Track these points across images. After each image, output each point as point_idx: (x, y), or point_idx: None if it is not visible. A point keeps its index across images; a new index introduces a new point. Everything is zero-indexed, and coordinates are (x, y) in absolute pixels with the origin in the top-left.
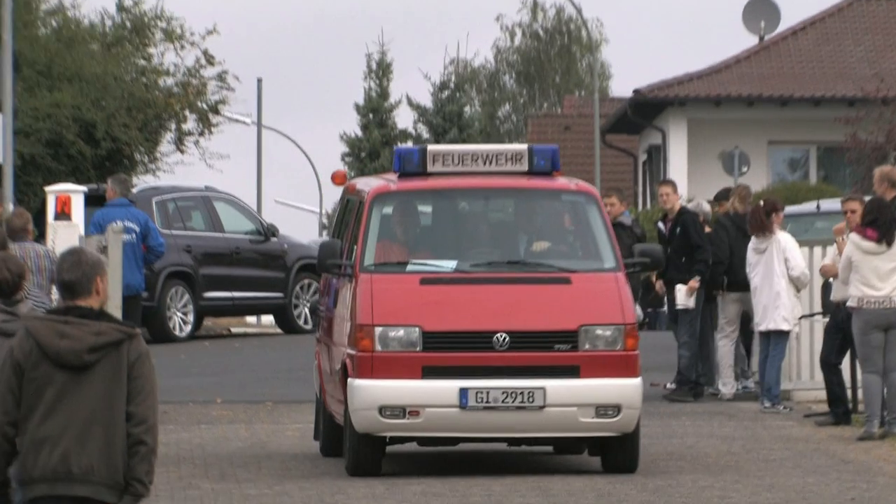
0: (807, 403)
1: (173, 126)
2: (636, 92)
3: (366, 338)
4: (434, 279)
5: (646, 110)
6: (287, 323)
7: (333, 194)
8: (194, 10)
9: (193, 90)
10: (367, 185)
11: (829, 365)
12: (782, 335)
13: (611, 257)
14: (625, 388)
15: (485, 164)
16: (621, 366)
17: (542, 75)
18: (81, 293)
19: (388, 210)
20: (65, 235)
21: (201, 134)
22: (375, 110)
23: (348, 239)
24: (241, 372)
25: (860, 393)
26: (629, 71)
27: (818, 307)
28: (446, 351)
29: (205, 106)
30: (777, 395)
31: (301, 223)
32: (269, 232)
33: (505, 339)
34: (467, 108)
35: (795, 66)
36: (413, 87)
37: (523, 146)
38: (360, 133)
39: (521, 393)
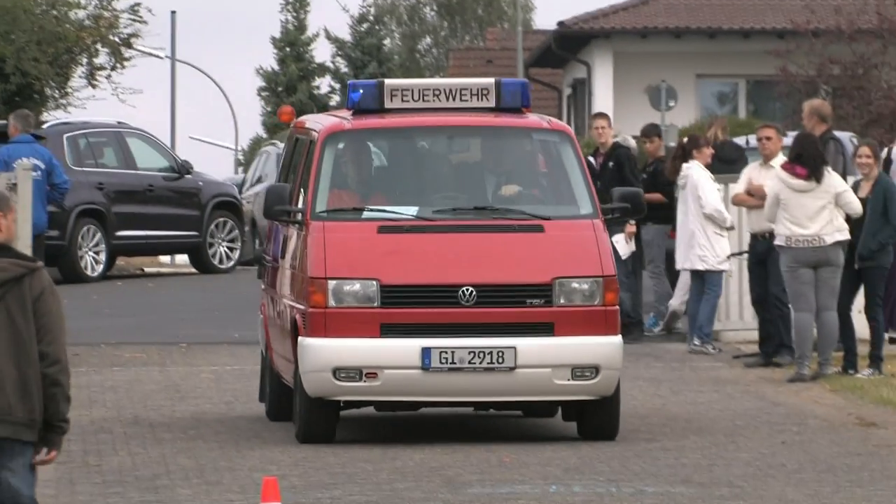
0: (736, 344)
1: (85, 60)
2: (560, 24)
3: (318, 292)
4: (393, 227)
5: (570, 43)
6: (202, 263)
7: (249, 130)
8: None
9: (105, 23)
10: (319, 123)
11: (760, 302)
12: (714, 274)
13: (587, 203)
14: (603, 347)
15: (448, 99)
16: (600, 322)
17: (463, 7)
18: None
19: (342, 151)
20: None
21: (113, 68)
22: (292, 44)
23: (298, 183)
24: (155, 313)
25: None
26: (553, 2)
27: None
28: (407, 307)
29: (117, 39)
30: (708, 333)
31: (216, 160)
32: (183, 169)
33: (471, 293)
34: (387, 42)
35: None
36: (331, 19)
37: (490, 80)
38: (276, 67)
39: (490, 353)
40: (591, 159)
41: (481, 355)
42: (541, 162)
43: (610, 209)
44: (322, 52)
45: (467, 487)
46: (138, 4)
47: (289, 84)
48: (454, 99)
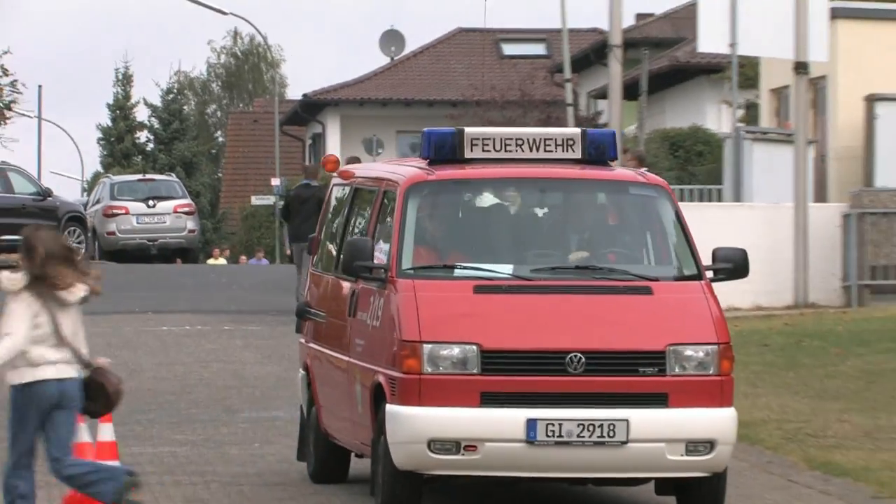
0: None
1: None
2: (304, 96)
3: (411, 356)
4: (490, 287)
5: (311, 108)
6: None
7: (91, 167)
8: None
9: None
10: (390, 173)
11: None
12: None
13: (691, 263)
14: (719, 421)
15: (531, 150)
16: (715, 393)
17: (239, 84)
18: None
19: (425, 203)
20: None
21: None
22: (121, 108)
23: (369, 236)
24: None
25: None
26: (300, 79)
27: None
28: (510, 374)
29: (1, 105)
30: None
31: (69, 187)
32: (46, 193)
33: (580, 360)
34: (186, 107)
35: (416, 78)
36: (148, 91)
37: (576, 130)
38: (110, 124)
39: (601, 425)
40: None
41: (591, 428)
42: (637, 218)
43: (714, 269)
44: (141, 114)
45: None
46: (16, 81)
47: (118, 136)
48: (538, 149)
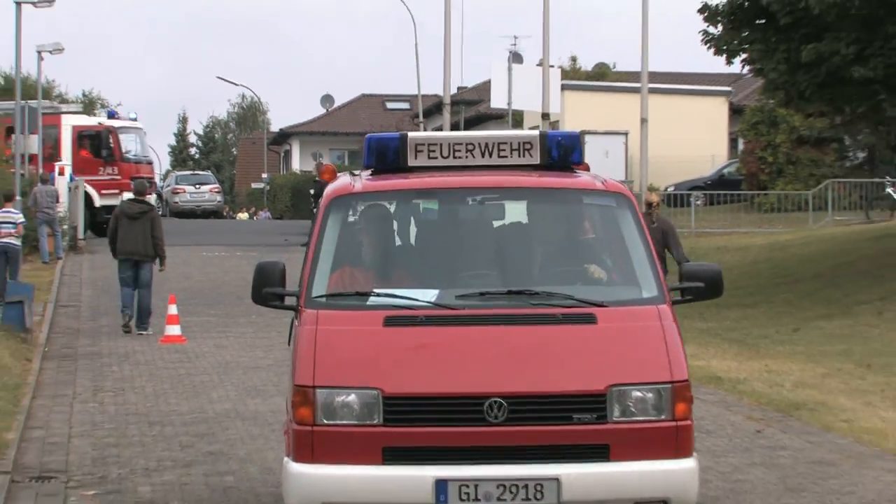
0: None
1: None
2: (280, 129)
3: (303, 404)
4: (403, 318)
5: (284, 136)
6: None
7: (165, 164)
8: None
9: None
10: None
11: None
12: None
13: (652, 283)
14: (673, 475)
15: (483, 156)
16: (669, 442)
17: (245, 122)
18: None
19: (351, 219)
20: None
21: None
22: (181, 134)
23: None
24: None
25: None
26: (278, 120)
27: None
28: (417, 424)
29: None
30: None
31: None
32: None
33: (500, 406)
34: (216, 135)
35: (340, 120)
36: (196, 125)
37: (534, 132)
38: (175, 143)
39: (525, 485)
40: None
41: (514, 489)
42: (591, 230)
43: (678, 289)
44: (192, 138)
45: None
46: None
47: (180, 150)
48: (491, 155)
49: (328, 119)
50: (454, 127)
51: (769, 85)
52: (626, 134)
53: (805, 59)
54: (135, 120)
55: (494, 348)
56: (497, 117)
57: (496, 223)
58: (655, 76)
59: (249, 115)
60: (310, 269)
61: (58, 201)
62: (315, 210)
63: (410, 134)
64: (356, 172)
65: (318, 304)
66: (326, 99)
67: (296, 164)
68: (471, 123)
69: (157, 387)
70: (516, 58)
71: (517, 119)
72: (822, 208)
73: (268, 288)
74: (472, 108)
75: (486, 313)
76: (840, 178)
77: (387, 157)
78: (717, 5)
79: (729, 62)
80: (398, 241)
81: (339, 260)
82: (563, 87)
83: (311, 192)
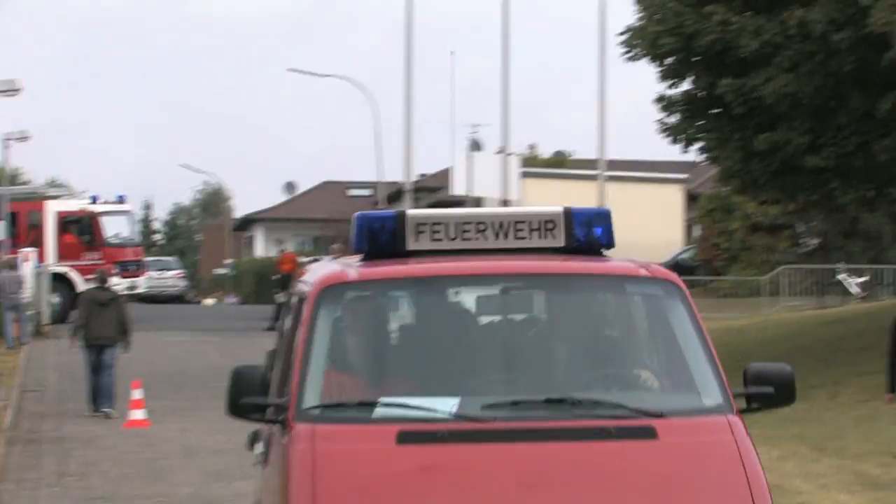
0: None
1: None
2: (244, 215)
3: None
4: (421, 434)
5: (247, 223)
6: None
7: None
8: None
9: None
10: (309, 276)
11: None
12: None
13: (714, 388)
14: None
15: (497, 236)
16: None
17: (209, 208)
18: None
19: (345, 313)
20: None
21: None
22: (146, 220)
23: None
24: None
25: None
26: (242, 206)
27: None
28: None
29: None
30: None
31: None
32: None
33: None
34: (180, 221)
35: (303, 207)
36: (161, 212)
37: (556, 208)
38: (141, 228)
39: None
40: None
41: None
42: (636, 326)
43: (742, 395)
44: (157, 224)
45: None
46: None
47: (145, 235)
48: (506, 236)
49: (291, 205)
50: None
51: (724, 173)
52: None
53: (759, 148)
54: (122, 201)
55: (535, 471)
56: (458, 204)
57: (523, 316)
58: (613, 164)
59: (213, 201)
60: (299, 374)
61: (23, 287)
62: (278, 296)
63: (409, 212)
64: (324, 257)
65: (313, 418)
66: (289, 186)
67: (259, 250)
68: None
69: (121, 471)
70: (476, 145)
71: (477, 207)
72: (777, 294)
73: (247, 398)
74: (433, 194)
75: (522, 427)
76: (793, 264)
77: (380, 240)
78: (672, 96)
79: (685, 150)
80: (404, 339)
81: (334, 362)
82: (523, 175)
83: (274, 278)
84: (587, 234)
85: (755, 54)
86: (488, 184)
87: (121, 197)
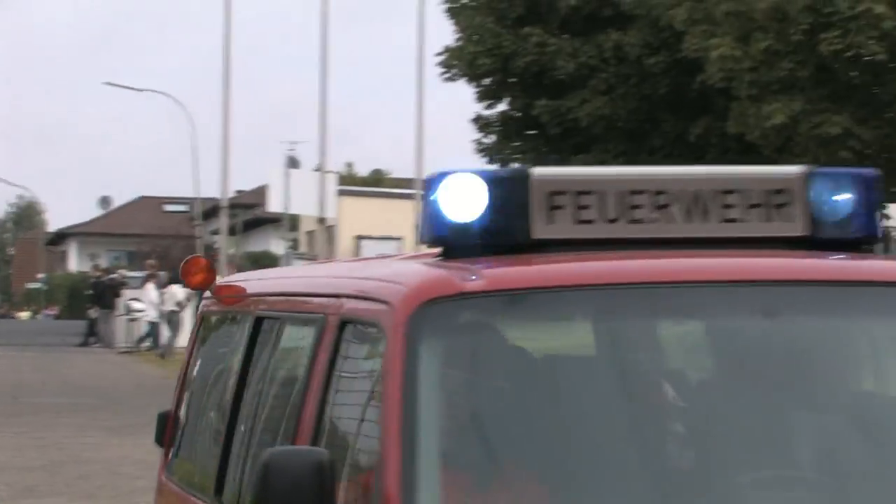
0: None
1: None
2: (57, 230)
3: None
4: None
5: (61, 237)
6: None
7: None
8: None
9: None
10: (354, 279)
11: None
12: None
13: None
14: None
15: (688, 217)
16: None
17: (23, 222)
18: None
19: (460, 355)
20: None
21: None
22: None
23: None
24: None
25: None
26: (55, 220)
27: None
28: None
29: None
30: None
31: None
32: None
33: None
34: None
35: (119, 221)
36: None
37: (791, 169)
38: None
39: None
40: None
41: None
42: None
43: None
44: None
45: None
46: None
47: None
48: (706, 216)
49: (106, 220)
50: (231, 232)
51: None
52: (401, 239)
53: None
54: None
55: None
56: (274, 221)
57: (803, 370)
58: None
59: (27, 214)
60: (399, 477)
61: None
62: (91, 311)
63: (535, 170)
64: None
65: None
66: (104, 200)
67: (73, 265)
68: (249, 227)
69: None
70: (293, 162)
71: (294, 223)
72: None
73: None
74: (249, 211)
75: None
76: None
77: (487, 220)
78: (489, 116)
79: None
80: (591, 408)
81: (456, 454)
82: (340, 193)
83: (88, 293)
84: (837, 214)
85: (571, 76)
86: (305, 201)
87: None
